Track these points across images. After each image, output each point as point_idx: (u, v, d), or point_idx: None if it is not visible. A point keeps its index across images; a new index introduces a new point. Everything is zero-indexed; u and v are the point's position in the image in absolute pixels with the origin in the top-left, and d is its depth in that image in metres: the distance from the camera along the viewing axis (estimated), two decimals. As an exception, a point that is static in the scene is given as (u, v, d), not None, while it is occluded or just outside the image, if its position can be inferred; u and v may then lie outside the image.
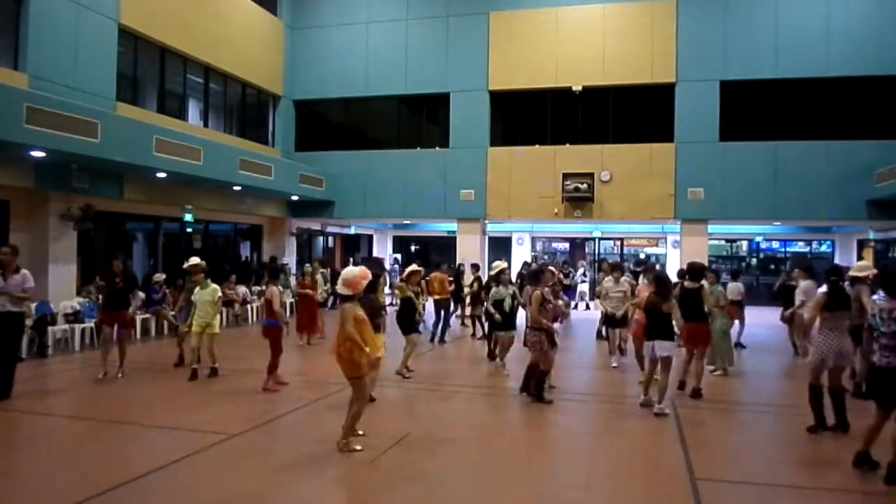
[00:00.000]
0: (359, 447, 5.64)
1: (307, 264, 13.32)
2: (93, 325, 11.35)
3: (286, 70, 19.10)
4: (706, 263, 15.12)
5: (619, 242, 24.79)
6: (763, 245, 24.20)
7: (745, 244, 24.49)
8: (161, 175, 12.90)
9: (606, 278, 10.55)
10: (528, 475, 5.37)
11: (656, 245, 24.47)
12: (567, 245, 25.55)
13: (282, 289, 12.50)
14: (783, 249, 24.18)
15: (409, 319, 9.06)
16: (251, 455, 5.72)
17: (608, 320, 10.32)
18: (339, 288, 5.68)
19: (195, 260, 9.55)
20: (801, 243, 23.88)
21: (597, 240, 24.38)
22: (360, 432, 5.94)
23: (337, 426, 5.87)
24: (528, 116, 18.28)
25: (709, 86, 16.49)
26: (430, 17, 18.23)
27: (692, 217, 16.58)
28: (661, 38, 16.70)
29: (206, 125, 16.52)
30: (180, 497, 4.77)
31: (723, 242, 24.04)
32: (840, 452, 5.91)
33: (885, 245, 20.21)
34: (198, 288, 8.87)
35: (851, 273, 7.49)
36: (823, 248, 23.54)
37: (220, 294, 8.93)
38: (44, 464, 5.47)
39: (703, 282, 8.41)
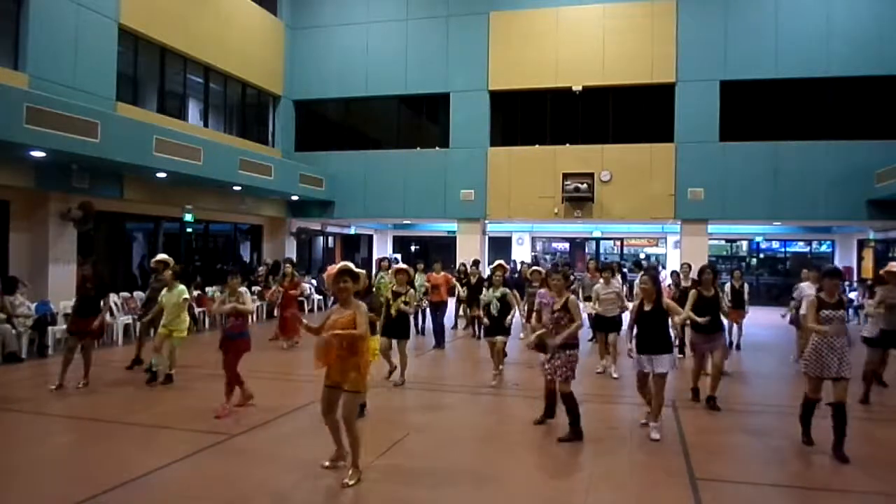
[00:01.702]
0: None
1: (287, 264, 12.97)
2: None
3: (286, 70, 19.10)
4: (702, 263, 15.16)
5: (619, 242, 24.85)
6: (763, 245, 24.21)
7: (745, 244, 24.51)
8: (161, 175, 12.90)
9: (599, 280, 10.00)
10: (527, 476, 5.37)
11: (656, 245, 24.51)
12: (567, 245, 25.58)
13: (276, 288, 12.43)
14: (783, 249, 24.20)
15: (398, 323, 8.30)
16: (251, 455, 5.72)
17: (599, 323, 9.76)
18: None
19: (163, 256, 9.22)
20: (801, 243, 23.90)
21: (597, 240, 24.42)
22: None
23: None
24: (528, 116, 18.29)
25: (709, 86, 16.49)
26: (430, 17, 18.23)
27: (692, 217, 16.59)
28: (661, 38, 16.71)
29: (206, 125, 16.53)
30: (180, 497, 4.77)
31: (723, 242, 24.06)
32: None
33: (885, 245, 20.21)
34: (165, 289, 8.42)
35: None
36: (823, 248, 23.56)
37: (186, 296, 8.40)
38: (44, 464, 5.46)
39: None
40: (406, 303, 8.22)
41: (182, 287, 8.44)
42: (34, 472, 5.27)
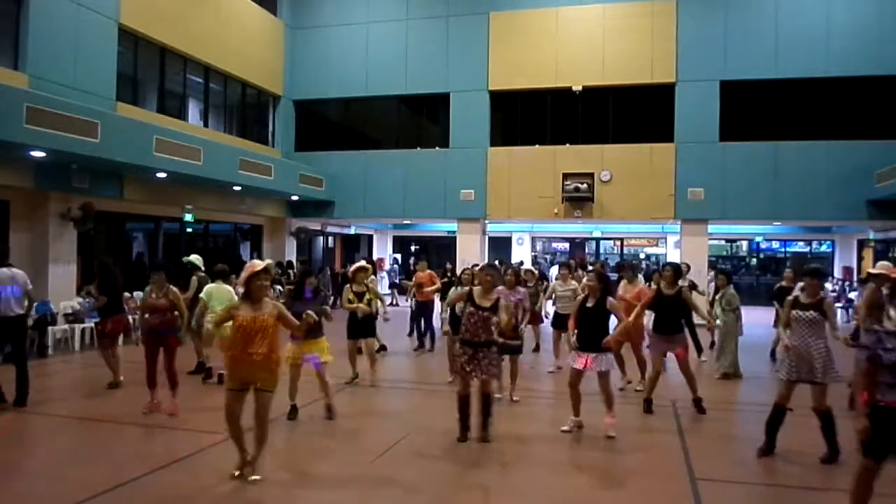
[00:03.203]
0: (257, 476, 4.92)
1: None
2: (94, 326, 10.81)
3: (286, 70, 19.09)
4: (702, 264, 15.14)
5: (619, 242, 24.84)
6: (763, 245, 24.22)
7: (745, 244, 24.52)
8: (161, 175, 12.90)
9: (556, 279, 10.10)
10: (526, 475, 5.37)
11: (656, 245, 24.51)
12: (567, 245, 25.58)
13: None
14: (783, 249, 24.21)
15: (361, 323, 8.35)
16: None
17: (556, 321, 9.80)
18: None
19: (194, 257, 9.50)
20: (801, 243, 23.91)
21: (597, 240, 24.42)
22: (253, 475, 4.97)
23: (333, 426, 5.83)
24: (528, 116, 18.28)
25: (709, 86, 16.48)
26: (430, 17, 18.22)
27: (692, 217, 16.58)
28: (661, 38, 16.69)
29: (206, 125, 16.52)
30: (181, 497, 4.77)
31: (723, 242, 24.06)
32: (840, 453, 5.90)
33: (885, 245, 20.21)
34: (215, 286, 8.46)
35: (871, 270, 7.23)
36: (823, 248, 23.56)
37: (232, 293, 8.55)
38: (45, 464, 5.47)
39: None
40: (370, 301, 8.32)
41: (227, 286, 8.52)
42: (33, 472, 5.28)
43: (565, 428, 6.44)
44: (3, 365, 9.40)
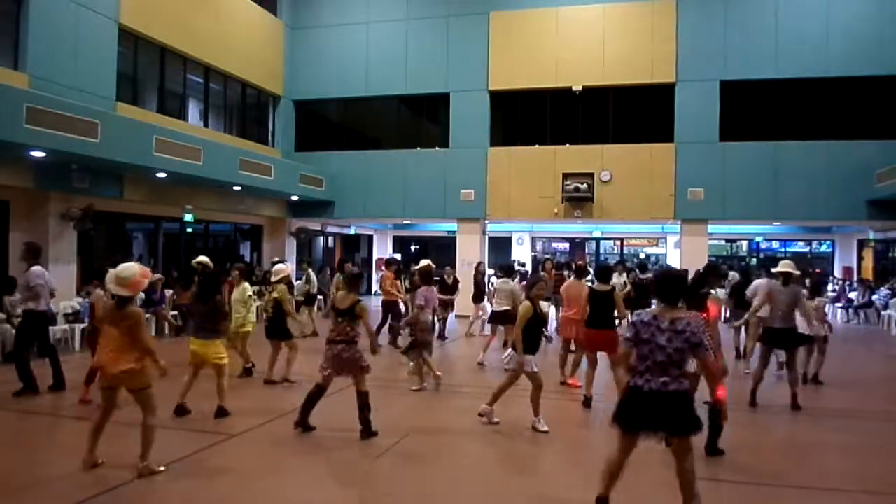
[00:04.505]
0: (162, 468, 5.11)
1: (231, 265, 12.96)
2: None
3: (286, 70, 19.10)
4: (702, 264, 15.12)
5: (619, 242, 24.85)
6: (763, 245, 24.22)
7: (745, 244, 24.52)
8: (161, 175, 12.91)
9: (499, 278, 10.78)
10: (525, 476, 5.37)
11: (656, 245, 24.51)
12: (567, 245, 25.57)
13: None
14: (783, 249, 24.20)
15: (282, 324, 8.66)
16: (250, 455, 5.72)
17: (494, 317, 10.46)
18: (114, 288, 5.01)
19: (203, 259, 9.69)
20: (801, 243, 23.91)
21: (597, 240, 24.42)
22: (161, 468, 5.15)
23: (336, 424, 5.83)
24: (528, 116, 18.29)
25: (709, 86, 16.49)
26: (430, 17, 18.23)
27: (692, 217, 16.59)
28: (661, 38, 16.70)
29: (206, 125, 16.53)
30: (182, 497, 4.77)
31: (723, 242, 24.06)
32: (838, 452, 5.91)
33: (885, 245, 20.22)
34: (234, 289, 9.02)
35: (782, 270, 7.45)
36: (823, 248, 23.57)
37: (249, 293, 9.00)
38: (45, 463, 5.47)
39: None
40: (279, 300, 8.57)
41: (245, 284, 8.99)
42: (33, 472, 5.27)
43: (545, 428, 6.46)
44: (3, 365, 9.47)
